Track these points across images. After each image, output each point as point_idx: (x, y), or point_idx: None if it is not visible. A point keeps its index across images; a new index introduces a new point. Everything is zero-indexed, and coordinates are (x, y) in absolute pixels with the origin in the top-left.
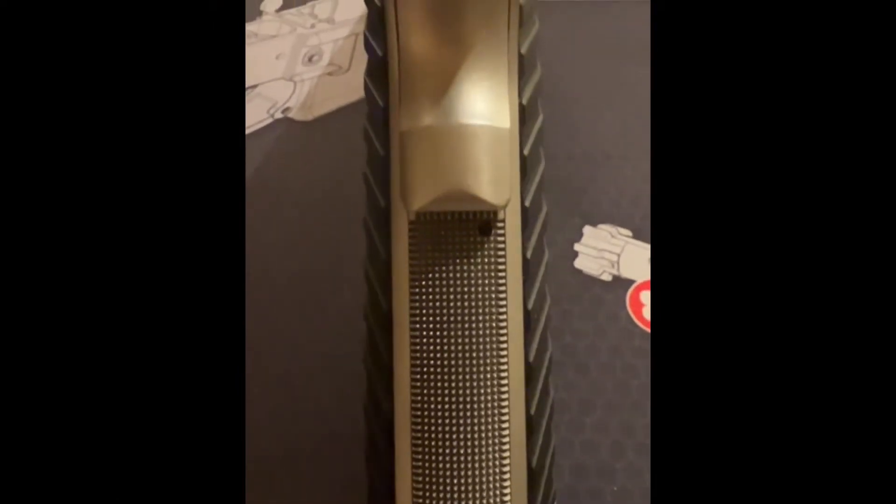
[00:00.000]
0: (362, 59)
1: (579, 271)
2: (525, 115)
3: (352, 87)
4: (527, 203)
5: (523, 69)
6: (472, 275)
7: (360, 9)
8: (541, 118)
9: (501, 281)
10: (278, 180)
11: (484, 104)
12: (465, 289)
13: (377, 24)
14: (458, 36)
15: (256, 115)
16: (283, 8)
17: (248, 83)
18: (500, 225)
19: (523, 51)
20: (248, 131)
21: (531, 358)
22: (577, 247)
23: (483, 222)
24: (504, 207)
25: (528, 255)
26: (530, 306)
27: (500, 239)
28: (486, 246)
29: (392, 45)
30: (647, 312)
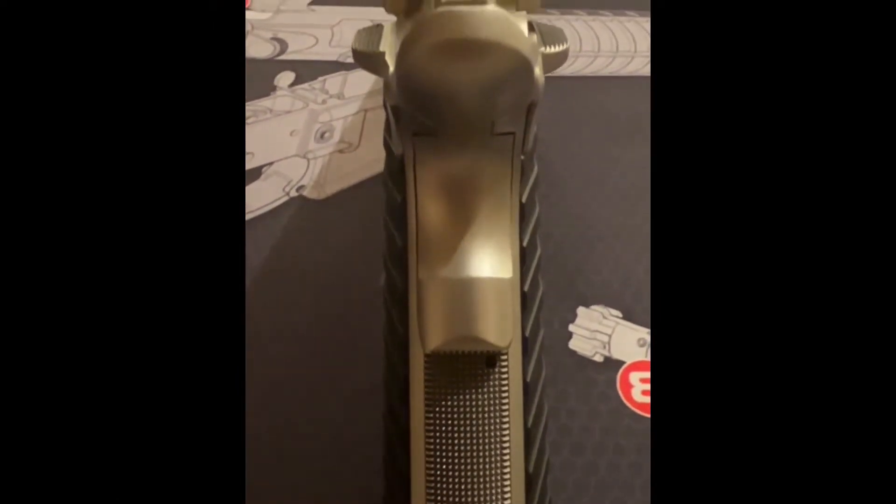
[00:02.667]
0: (371, 137)
1: (574, 352)
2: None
3: (361, 166)
4: (527, 333)
5: (524, 213)
6: (480, 399)
7: (368, 84)
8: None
9: (505, 402)
10: (293, 260)
11: (489, 257)
12: (474, 411)
13: (396, 171)
14: (468, 205)
15: (273, 193)
16: (295, 83)
17: (264, 160)
18: (503, 358)
19: (524, 200)
20: (265, 209)
21: (531, 468)
22: (571, 327)
23: (489, 356)
24: (507, 347)
25: (528, 378)
26: (530, 423)
27: (503, 368)
28: (492, 375)
29: (410, 197)
30: (635, 393)
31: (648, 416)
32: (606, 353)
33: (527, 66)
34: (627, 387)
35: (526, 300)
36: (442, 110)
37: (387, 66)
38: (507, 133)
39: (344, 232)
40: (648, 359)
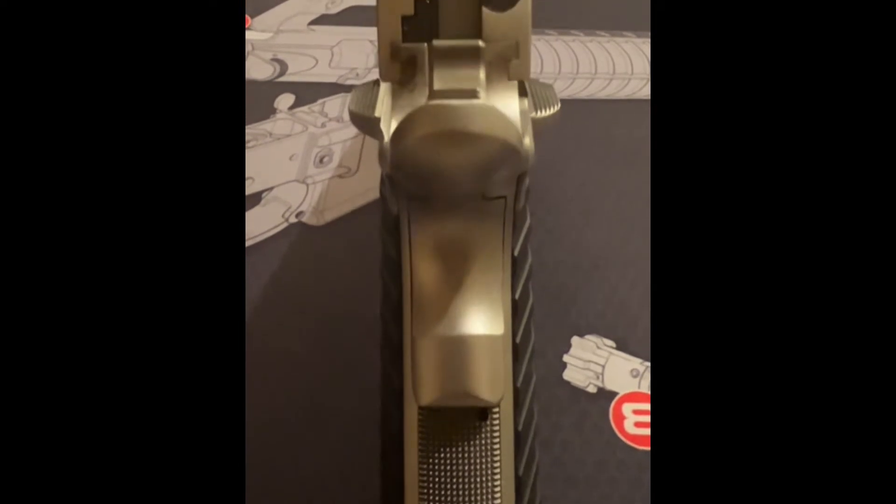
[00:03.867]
0: (369, 162)
1: (568, 383)
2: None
3: (359, 192)
4: (518, 383)
5: (516, 266)
6: (472, 449)
7: None
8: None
9: (496, 452)
10: (292, 287)
11: (482, 315)
12: (466, 461)
13: (392, 226)
14: (461, 264)
15: (272, 220)
16: (295, 105)
17: (264, 185)
18: (495, 410)
19: (516, 253)
20: (265, 236)
21: None
22: (565, 357)
23: (481, 410)
24: (499, 402)
25: (520, 428)
26: (521, 471)
27: (495, 420)
28: (483, 427)
29: (405, 254)
30: (628, 425)
31: (641, 448)
32: (600, 384)
33: (516, 152)
34: (620, 418)
35: (518, 351)
36: (434, 185)
37: (381, 134)
38: (499, 197)
39: (343, 259)
40: (641, 390)
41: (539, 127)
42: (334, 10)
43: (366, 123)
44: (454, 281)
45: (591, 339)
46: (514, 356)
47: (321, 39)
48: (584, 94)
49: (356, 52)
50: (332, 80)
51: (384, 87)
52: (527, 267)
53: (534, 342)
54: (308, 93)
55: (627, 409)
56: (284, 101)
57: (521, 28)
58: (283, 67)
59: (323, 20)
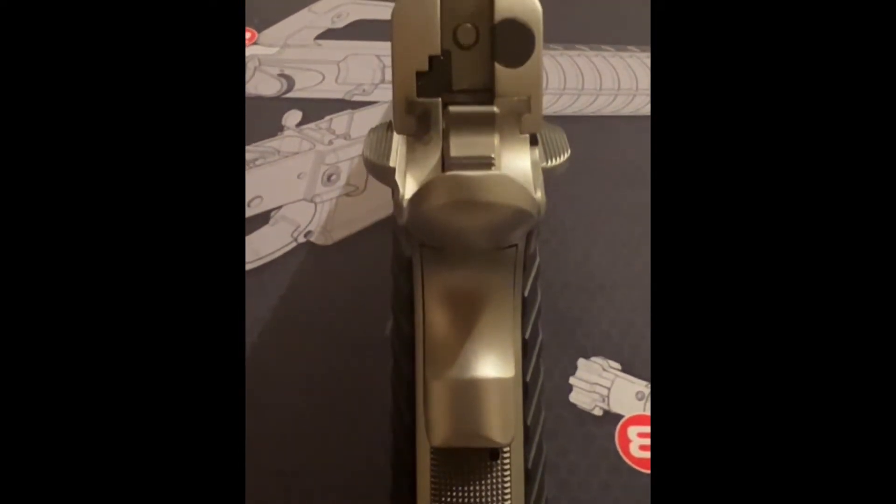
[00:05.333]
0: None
1: (574, 405)
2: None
3: (367, 210)
4: (528, 421)
5: (526, 307)
6: (483, 487)
7: (374, 123)
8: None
9: (507, 490)
10: (302, 308)
11: (493, 357)
12: (477, 498)
13: (405, 265)
14: (472, 309)
15: (282, 239)
16: (302, 122)
17: (273, 204)
18: (506, 450)
19: (526, 294)
20: (274, 256)
21: None
22: (571, 380)
23: (492, 450)
24: (510, 443)
25: (529, 465)
26: None
27: (505, 459)
28: (494, 465)
29: (418, 296)
30: (633, 448)
31: (646, 471)
32: (605, 407)
33: (530, 216)
34: (626, 441)
35: (528, 390)
36: (448, 241)
37: (397, 186)
38: (511, 246)
39: (351, 279)
40: (646, 413)
41: (550, 175)
42: (340, 24)
43: (381, 172)
44: (466, 324)
45: (597, 361)
46: (524, 394)
47: (328, 54)
48: (589, 111)
49: (362, 67)
50: (339, 95)
51: (397, 140)
52: (536, 306)
53: (542, 379)
54: (315, 109)
55: (633, 432)
56: (292, 117)
57: (533, 83)
58: (291, 83)
59: (329, 34)
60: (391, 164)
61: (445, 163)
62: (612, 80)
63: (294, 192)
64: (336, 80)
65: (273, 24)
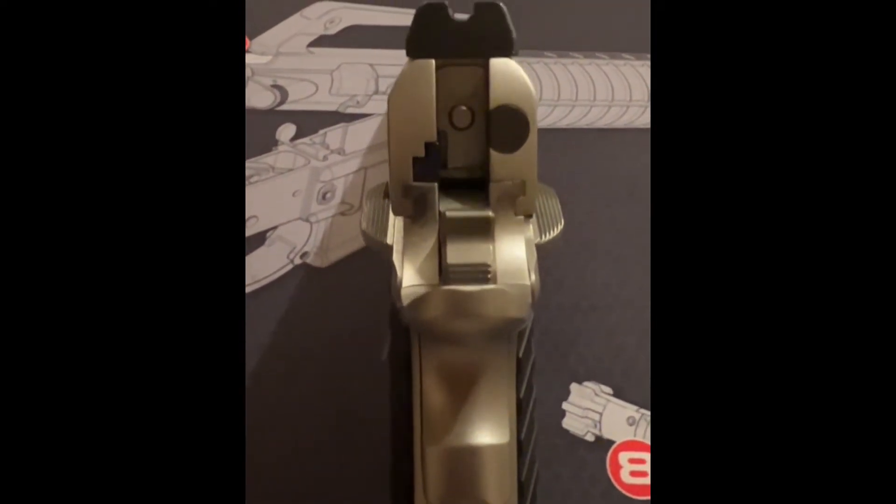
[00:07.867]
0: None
1: (566, 431)
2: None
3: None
4: (522, 478)
5: (521, 365)
6: None
7: (368, 138)
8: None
9: None
10: (299, 332)
11: (488, 424)
12: None
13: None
14: (468, 381)
15: (278, 262)
16: (297, 137)
17: (268, 224)
18: None
19: (520, 355)
20: (270, 279)
21: None
22: (564, 405)
23: None
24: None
25: None
26: None
27: None
28: None
29: (415, 366)
30: (624, 474)
31: (637, 497)
32: (597, 432)
33: (523, 322)
34: (617, 467)
35: (521, 447)
36: (443, 337)
37: (394, 268)
38: None
39: (348, 302)
40: (637, 438)
41: (543, 250)
42: (333, 30)
43: (378, 247)
44: (462, 394)
45: (590, 386)
46: (519, 451)
47: (321, 63)
48: (582, 123)
49: (356, 77)
50: (333, 108)
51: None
52: (530, 363)
53: (536, 434)
54: (309, 122)
55: (624, 458)
56: (286, 131)
57: (528, 168)
58: (284, 95)
59: (322, 41)
60: (388, 241)
61: (443, 271)
62: (606, 91)
63: (290, 212)
64: (329, 91)
65: (265, 30)
